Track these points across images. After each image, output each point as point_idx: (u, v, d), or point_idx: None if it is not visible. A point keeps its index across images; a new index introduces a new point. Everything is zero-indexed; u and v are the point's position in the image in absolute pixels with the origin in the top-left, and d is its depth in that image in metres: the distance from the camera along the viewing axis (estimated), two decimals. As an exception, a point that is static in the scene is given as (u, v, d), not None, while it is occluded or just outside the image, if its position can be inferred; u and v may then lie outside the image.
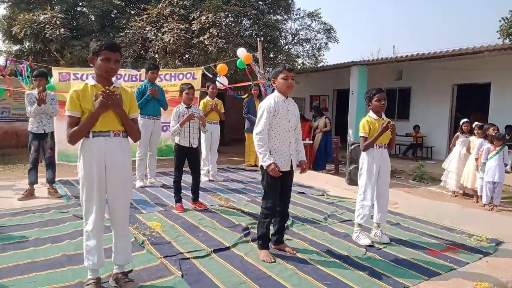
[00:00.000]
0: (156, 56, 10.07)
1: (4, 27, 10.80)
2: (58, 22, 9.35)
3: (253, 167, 8.37)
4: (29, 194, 5.36)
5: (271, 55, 11.60)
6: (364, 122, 3.92)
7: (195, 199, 5.03)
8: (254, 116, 7.73)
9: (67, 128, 2.59)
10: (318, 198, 5.81)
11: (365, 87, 11.94)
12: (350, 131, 12.39)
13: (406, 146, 12.74)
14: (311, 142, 9.49)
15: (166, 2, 10.15)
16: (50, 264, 3.12)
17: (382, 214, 3.99)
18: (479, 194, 6.37)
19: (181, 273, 3.02)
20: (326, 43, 13.04)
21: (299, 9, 12.92)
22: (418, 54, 11.08)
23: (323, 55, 13.18)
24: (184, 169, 4.98)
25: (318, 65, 13.19)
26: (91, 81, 2.67)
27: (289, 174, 3.48)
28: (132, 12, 11.62)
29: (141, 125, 5.53)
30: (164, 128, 7.22)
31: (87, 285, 2.66)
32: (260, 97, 8.16)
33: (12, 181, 6.56)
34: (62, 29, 9.32)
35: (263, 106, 3.37)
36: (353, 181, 6.77)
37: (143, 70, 7.55)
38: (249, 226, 4.22)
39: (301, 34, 12.97)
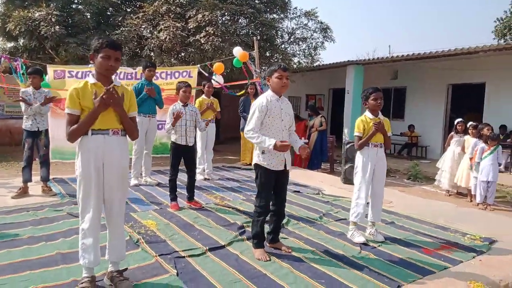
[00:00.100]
0: (152, 54, 10.04)
1: (-1, 24, 10.72)
2: (53, 19, 9.30)
3: (248, 165, 8.37)
4: (23, 192, 5.33)
5: (267, 54, 11.60)
6: (359, 121, 3.95)
7: (190, 197, 5.02)
8: (250, 114, 7.71)
9: (66, 126, 2.58)
10: (313, 196, 5.81)
11: (361, 86, 11.99)
12: (345, 130, 12.41)
13: (401, 146, 12.80)
14: (306, 141, 9.50)
15: (162, 0, 10.12)
16: (44, 262, 3.10)
17: (377, 212, 4.01)
18: (473, 193, 6.42)
19: (176, 271, 3.02)
20: (322, 42, 13.10)
21: (295, 8, 12.98)
22: (413, 54, 11.13)
23: (319, 54, 13.26)
24: (179, 167, 4.97)
25: (314, 64, 13.23)
26: (91, 79, 2.66)
27: (283, 173, 3.47)
28: (128, 9, 11.58)
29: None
30: (160, 126, 7.21)
31: (82, 283, 2.65)
32: (256, 96, 8.15)
33: (6, 179, 6.51)
34: (57, 27, 9.26)
35: (255, 105, 3.38)
36: (348, 180, 6.79)
37: (139, 68, 7.53)
38: (244, 224, 4.21)
39: (298, 33, 13.02)
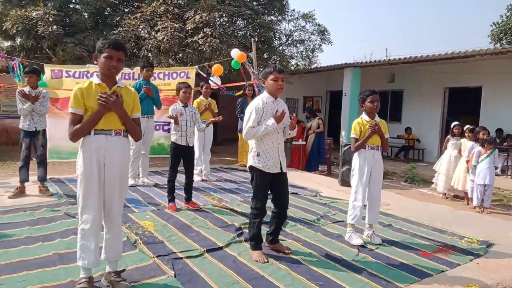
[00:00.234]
0: (150, 54, 10.01)
1: (-5, 23, 10.66)
2: (50, 19, 9.26)
3: (246, 167, 8.36)
4: (20, 192, 5.30)
5: (265, 55, 11.61)
6: (356, 123, 3.97)
7: (188, 198, 5.02)
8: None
9: (69, 125, 2.59)
10: (311, 199, 5.82)
11: (358, 89, 12.01)
12: (342, 133, 12.45)
13: (398, 148, 12.84)
14: (304, 143, 9.52)
15: (160, 0, 10.11)
16: (42, 262, 3.09)
17: (374, 215, 4.02)
18: (469, 196, 6.45)
19: (173, 272, 3.01)
20: (320, 45, 13.09)
21: (293, 10, 12.97)
22: (410, 57, 11.18)
23: (317, 56, 13.26)
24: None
25: (312, 67, 13.23)
26: (95, 80, 2.67)
27: (280, 176, 3.47)
28: (126, 10, 11.54)
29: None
30: (157, 127, 7.19)
31: (79, 284, 2.64)
32: (254, 97, 8.15)
33: (3, 178, 6.47)
34: (55, 26, 9.22)
35: (251, 107, 3.39)
36: (345, 182, 6.80)
37: (136, 68, 7.52)
38: (242, 226, 4.21)
39: (295, 35, 13.00)
